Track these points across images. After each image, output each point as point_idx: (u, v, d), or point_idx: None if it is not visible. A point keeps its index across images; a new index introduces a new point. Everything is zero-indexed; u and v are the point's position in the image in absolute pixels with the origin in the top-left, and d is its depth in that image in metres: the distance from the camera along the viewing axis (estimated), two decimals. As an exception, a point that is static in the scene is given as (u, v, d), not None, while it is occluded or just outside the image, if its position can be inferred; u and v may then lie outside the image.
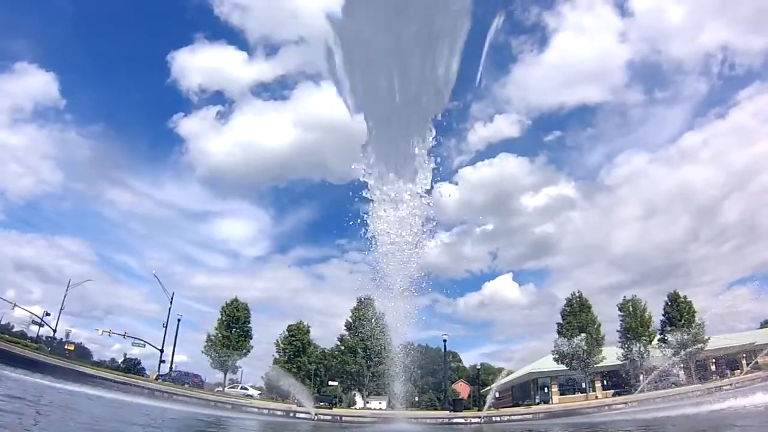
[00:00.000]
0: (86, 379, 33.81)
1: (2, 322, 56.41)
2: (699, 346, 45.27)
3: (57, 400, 18.61)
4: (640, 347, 49.61)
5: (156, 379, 46.16)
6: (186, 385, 45.09)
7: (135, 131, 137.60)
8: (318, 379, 60.60)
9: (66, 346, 53.36)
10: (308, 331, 60.67)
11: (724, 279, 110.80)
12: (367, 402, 58.61)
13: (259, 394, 55.27)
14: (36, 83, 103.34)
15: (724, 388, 36.97)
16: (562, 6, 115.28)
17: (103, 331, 55.40)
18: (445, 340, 57.39)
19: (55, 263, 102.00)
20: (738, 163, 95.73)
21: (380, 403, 59.29)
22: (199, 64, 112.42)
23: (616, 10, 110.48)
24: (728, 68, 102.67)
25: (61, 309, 53.08)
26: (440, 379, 68.21)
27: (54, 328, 53.06)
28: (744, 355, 45.84)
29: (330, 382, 59.91)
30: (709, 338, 46.30)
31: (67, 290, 53.72)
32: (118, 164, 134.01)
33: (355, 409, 56.23)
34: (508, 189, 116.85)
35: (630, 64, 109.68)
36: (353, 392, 62.10)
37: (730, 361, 47.20)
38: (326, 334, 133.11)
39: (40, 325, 53.46)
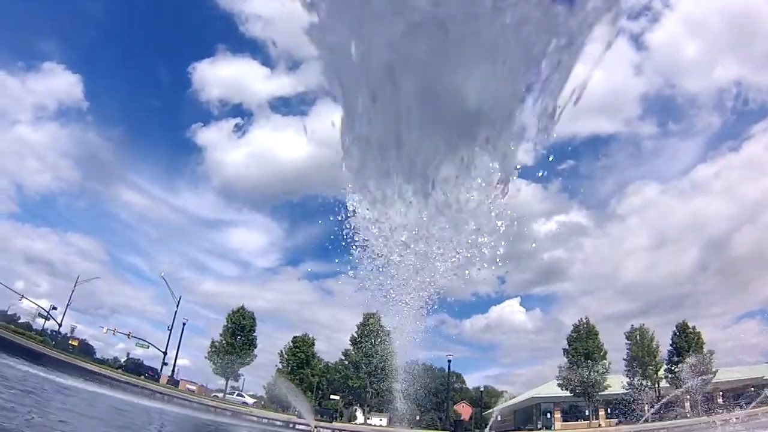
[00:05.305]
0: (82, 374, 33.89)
1: (9, 313, 57.15)
2: (707, 377, 44.56)
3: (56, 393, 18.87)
4: (646, 376, 49.06)
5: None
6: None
7: (154, 137, 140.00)
8: (320, 392, 60.36)
9: (70, 341, 53.85)
10: (313, 344, 60.76)
11: (732, 312, 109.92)
12: (368, 418, 58.17)
13: (254, 402, 55.26)
14: (62, 83, 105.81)
15: (731, 421, 36.30)
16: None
17: (107, 329, 56.25)
18: (449, 361, 56.93)
19: (66, 259, 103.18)
20: (750, 196, 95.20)
21: (381, 419, 58.89)
22: (220, 76, 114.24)
23: (631, 43, 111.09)
24: (742, 103, 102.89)
25: (68, 304, 53.78)
26: (443, 399, 67.61)
27: (59, 322, 53.60)
28: (752, 388, 44.99)
29: (332, 396, 59.71)
30: (717, 370, 45.65)
31: (75, 286, 54.42)
32: (135, 168, 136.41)
33: (355, 424, 55.82)
34: (520, 214, 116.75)
35: (644, 96, 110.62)
36: (354, 407, 61.78)
37: (738, 394, 46.30)
38: (331, 348, 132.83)
39: (46, 319, 54.22)
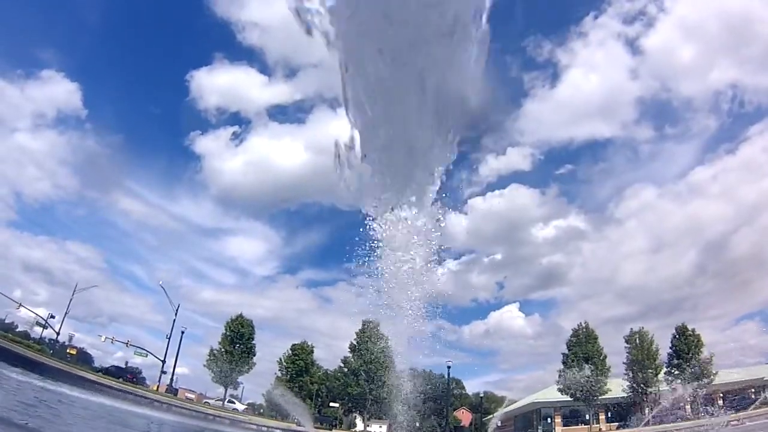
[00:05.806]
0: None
1: (6, 321, 56.58)
2: (707, 380, 44.46)
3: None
4: (646, 380, 48.98)
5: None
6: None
7: (153, 145, 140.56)
8: (319, 399, 60.08)
9: (68, 350, 53.60)
10: (312, 352, 60.44)
11: (731, 314, 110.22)
12: (368, 425, 57.89)
13: (245, 408, 55.09)
14: (60, 91, 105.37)
15: (732, 423, 36.18)
16: (574, 43, 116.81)
17: (106, 337, 55.85)
18: (449, 367, 56.87)
19: (64, 267, 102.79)
20: (747, 198, 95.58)
21: (381, 426, 58.63)
22: (218, 84, 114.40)
23: (627, 47, 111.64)
24: (738, 105, 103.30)
25: (65, 312, 53.09)
26: (442, 406, 67.36)
27: (58, 330, 52.94)
28: (753, 389, 44.94)
29: (331, 404, 59.45)
30: (717, 372, 45.57)
31: (73, 294, 53.90)
32: (134, 175, 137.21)
33: (355, 431, 55.59)
34: (518, 220, 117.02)
35: (640, 100, 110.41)
36: (354, 414, 61.44)
37: (739, 396, 46.16)
38: (330, 355, 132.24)
39: (44, 327, 53.61)
